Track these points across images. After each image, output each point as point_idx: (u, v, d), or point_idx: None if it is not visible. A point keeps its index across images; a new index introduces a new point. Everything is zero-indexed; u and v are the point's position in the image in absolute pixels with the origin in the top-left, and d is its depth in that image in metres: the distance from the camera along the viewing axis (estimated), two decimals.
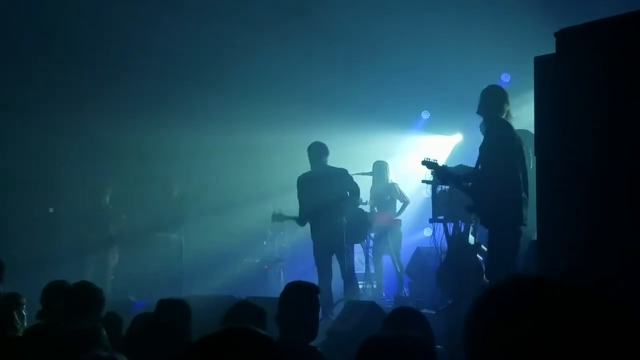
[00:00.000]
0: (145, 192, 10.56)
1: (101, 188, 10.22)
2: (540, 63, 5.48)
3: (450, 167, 7.46)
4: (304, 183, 8.00)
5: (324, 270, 7.64)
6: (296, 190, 8.11)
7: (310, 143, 8.20)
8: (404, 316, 3.68)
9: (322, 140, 8.29)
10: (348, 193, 7.96)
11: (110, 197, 10.21)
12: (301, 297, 3.84)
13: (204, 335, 2.06)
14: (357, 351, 2.44)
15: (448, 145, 12.21)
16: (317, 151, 8.06)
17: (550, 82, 5.24)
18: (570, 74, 4.99)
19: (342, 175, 8.00)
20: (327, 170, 8.00)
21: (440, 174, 6.41)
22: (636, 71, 4.57)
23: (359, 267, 9.29)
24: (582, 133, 4.86)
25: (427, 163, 6.51)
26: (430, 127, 12.20)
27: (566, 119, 4.99)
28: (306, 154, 8.16)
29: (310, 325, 3.82)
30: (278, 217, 8.19)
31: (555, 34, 5.16)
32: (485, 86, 6.67)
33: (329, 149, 8.20)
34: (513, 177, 6.01)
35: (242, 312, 3.80)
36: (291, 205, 8.46)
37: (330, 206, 7.59)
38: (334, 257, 7.86)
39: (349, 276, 7.72)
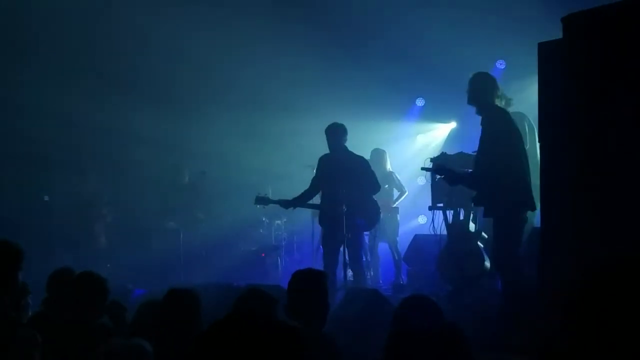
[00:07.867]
0: (154, 178, 10.43)
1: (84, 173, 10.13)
2: (545, 49, 5.39)
3: (450, 155, 7.41)
4: (324, 165, 7.76)
5: (330, 256, 7.53)
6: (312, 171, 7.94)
7: (327, 125, 7.80)
8: (417, 305, 3.62)
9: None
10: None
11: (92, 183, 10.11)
12: (310, 285, 3.78)
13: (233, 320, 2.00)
14: (385, 346, 2.37)
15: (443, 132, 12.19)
16: (337, 132, 7.70)
17: (556, 67, 5.16)
18: (579, 59, 4.92)
19: (363, 165, 7.77)
20: (349, 156, 7.73)
21: (450, 178, 6.28)
22: None
23: None
24: (592, 119, 4.81)
25: (428, 169, 6.45)
26: (425, 114, 12.14)
27: (575, 105, 4.92)
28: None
29: (320, 313, 3.76)
30: (261, 201, 7.88)
31: (562, 19, 5.08)
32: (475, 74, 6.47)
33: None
34: (516, 164, 5.94)
35: (253, 298, 3.73)
36: (287, 191, 8.35)
37: (346, 194, 7.36)
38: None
39: (356, 264, 7.60)
